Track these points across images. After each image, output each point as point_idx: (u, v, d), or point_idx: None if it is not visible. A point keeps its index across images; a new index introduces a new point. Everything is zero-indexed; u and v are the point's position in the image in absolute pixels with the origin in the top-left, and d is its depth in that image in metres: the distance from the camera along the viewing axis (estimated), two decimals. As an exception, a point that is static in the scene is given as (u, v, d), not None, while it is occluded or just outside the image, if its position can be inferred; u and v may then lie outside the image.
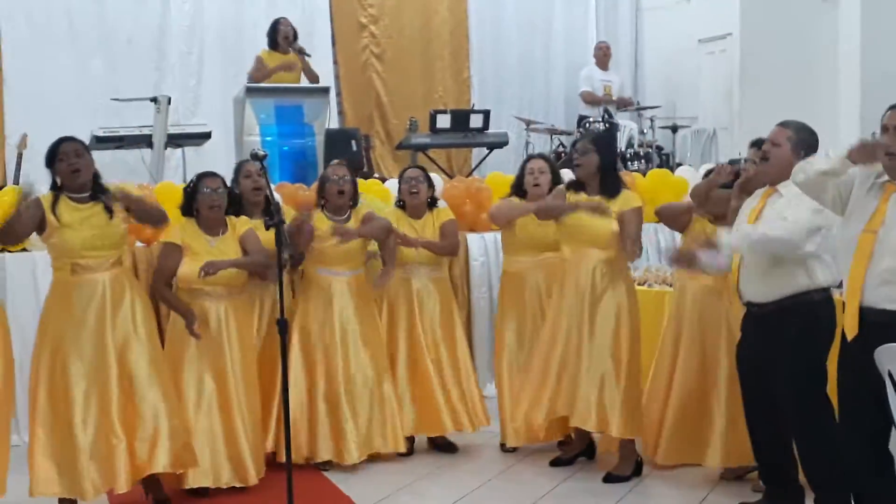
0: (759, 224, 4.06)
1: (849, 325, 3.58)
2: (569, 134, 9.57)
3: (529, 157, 5.53)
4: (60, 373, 4.26)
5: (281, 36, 8.22)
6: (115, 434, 4.28)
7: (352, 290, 5.20)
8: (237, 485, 4.68)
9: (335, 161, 5.58)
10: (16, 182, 7.70)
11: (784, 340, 3.98)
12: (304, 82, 8.36)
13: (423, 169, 5.64)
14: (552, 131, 9.49)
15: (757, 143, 4.73)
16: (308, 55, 8.38)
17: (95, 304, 4.32)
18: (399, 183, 5.51)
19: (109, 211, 4.37)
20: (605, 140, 5.13)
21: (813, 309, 3.99)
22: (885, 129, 3.52)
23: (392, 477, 5.04)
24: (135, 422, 4.34)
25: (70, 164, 4.31)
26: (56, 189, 4.37)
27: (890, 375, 3.28)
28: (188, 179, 5.08)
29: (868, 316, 3.51)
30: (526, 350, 5.24)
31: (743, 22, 9.79)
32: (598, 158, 4.89)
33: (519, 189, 5.34)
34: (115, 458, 4.28)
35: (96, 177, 4.43)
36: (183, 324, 4.61)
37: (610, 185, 4.91)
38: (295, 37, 8.27)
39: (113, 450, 4.28)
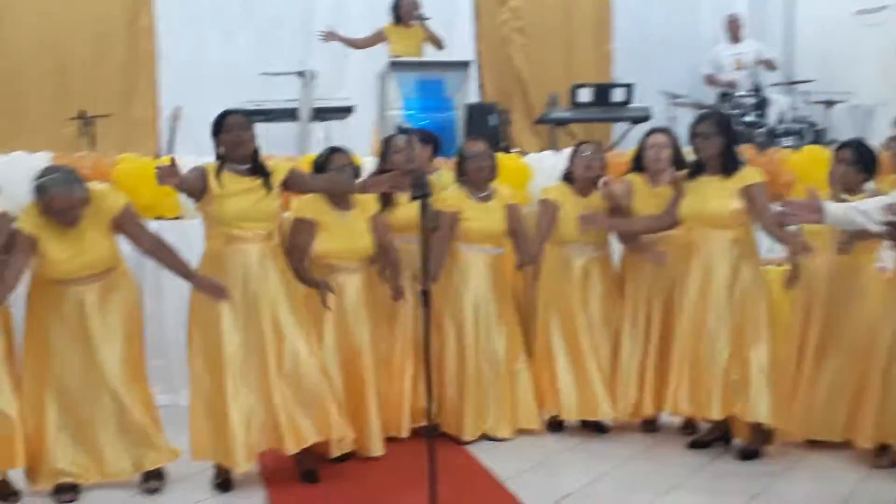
0: None
1: None
2: (714, 108, 9.26)
3: (651, 131, 5.32)
4: (215, 342, 4.37)
5: (403, 10, 8.29)
6: (272, 403, 4.38)
7: (491, 268, 5.18)
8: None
9: (472, 137, 5.57)
10: (171, 152, 8.00)
11: None
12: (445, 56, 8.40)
13: (598, 144, 5.54)
14: (698, 105, 9.18)
15: None
16: (426, 18, 8.39)
17: (247, 275, 4.41)
18: (573, 157, 5.35)
19: (268, 185, 4.45)
20: (725, 121, 4.93)
21: None
22: None
23: (530, 451, 5.03)
24: (291, 392, 4.44)
25: (235, 135, 4.41)
26: (219, 159, 4.47)
27: None
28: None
29: None
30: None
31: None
32: (721, 141, 4.73)
33: (639, 164, 5.21)
34: (279, 424, 4.38)
35: (256, 151, 4.52)
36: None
37: (729, 163, 4.75)
38: (415, 9, 8.35)
39: (271, 418, 4.39)
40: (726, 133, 4.79)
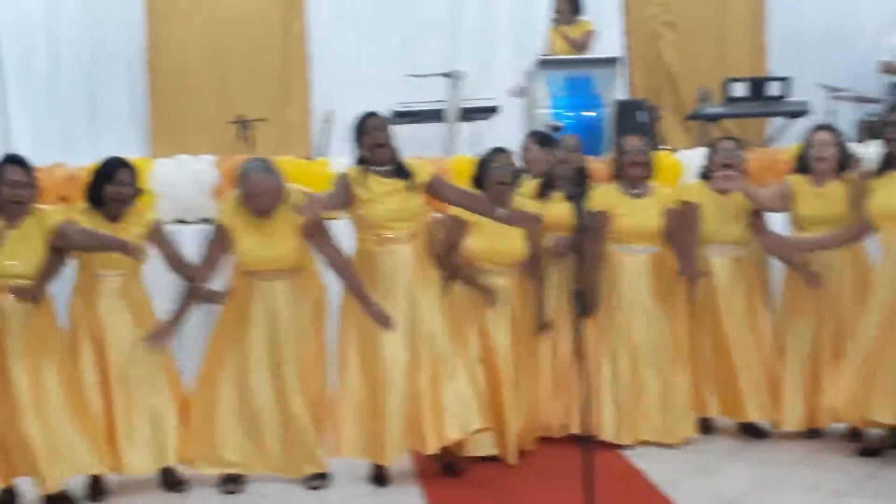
0: None
1: None
2: (879, 102, 8.84)
3: (816, 128, 5.10)
4: (372, 342, 4.45)
5: (564, 7, 8.26)
6: (423, 399, 4.43)
7: (647, 268, 5.08)
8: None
9: (631, 133, 5.49)
10: (323, 155, 8.20)
11: None
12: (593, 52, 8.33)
13: (737, 141, 5.40)
14: (861, 99, 8.80)
15: None
16: (587, 23, 8.33)
17: (399, 275, 4.48)
18: (711, 155, 5.23)
19: (411, 185, 4.51)
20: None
21: None
22: None
23: (687, 455, 4.93)
24: (438, 389, 4.48)
25: (375, 137, 4.49)
26: (361, 163, 4.56)
27: None
28: (478, 152, 5.15)
29: None
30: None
31: None
32: None
33: (803, 163, 5.01)
34: (423, 423, 4.43)
35: (396, 152, 4.57)
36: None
37: None
38: (576, 10, 8.33)
39: (420, 415, 4.44)
40: None
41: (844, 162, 4.93)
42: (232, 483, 4.53)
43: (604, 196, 5.07)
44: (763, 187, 5.43)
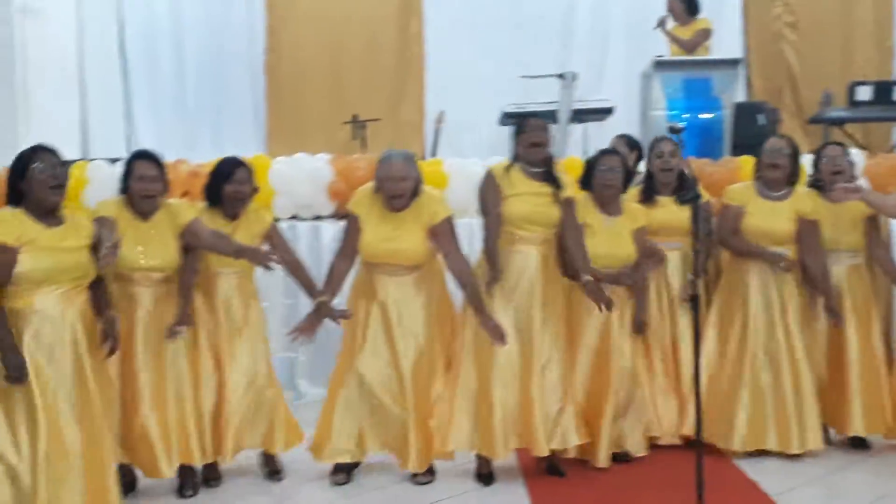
0: None
1: None
2: None
3: None
4: (488, 341, 4.46)
5: (678, 7, 8.15)
6: (533, 402, 4.45)
7: (779, 272, 4.93)
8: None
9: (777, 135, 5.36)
10: (434, 155, 8.27)
11: None
12: (712, 54, 8.18)
13: (842, 145, 5.22)
14: None
15: None
16: (705, 21, 8.18)
17: (527, 276, 4.49)
18: (818, 160, 5.11)
19: (556, 195, 4.50)
20: None
21: None
22: None
23: (803, 467, 4.79)
24: (546, 396, 4.50)
25: (534, 136, 4.50)
26: (514, 159, 4.58)
27: None
28: (588, 154, 5.11)
29: None
30: None
31: None
32: None
33: None
34: (533, 425, 4.45)
35: (550, 157, 4.57)
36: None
37: None
38: (696, 9, 8.19)
39: (531, 417, 4.46)
40: None
41: None
42: (343, 473, 4.60)
43: (739, 193, 5.00)
44: (886, 194, 5.24)
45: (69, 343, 3.70)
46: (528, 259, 4.50)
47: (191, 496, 4.44)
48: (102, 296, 3.94)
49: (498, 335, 4.41)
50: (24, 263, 3.61)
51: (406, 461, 4.52)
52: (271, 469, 4.70)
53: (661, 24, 8.20)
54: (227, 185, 4.47)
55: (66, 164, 3.83)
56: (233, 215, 4.53)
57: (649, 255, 4.85)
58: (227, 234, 4.37)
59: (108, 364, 4.02)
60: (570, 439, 4.55)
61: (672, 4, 8.23)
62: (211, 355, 4.53)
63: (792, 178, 4.95)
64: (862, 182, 5.34)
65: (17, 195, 3.73)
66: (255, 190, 4.61)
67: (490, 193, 4.55)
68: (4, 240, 3.59)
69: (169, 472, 4.27)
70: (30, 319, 3.65)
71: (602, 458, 4.67)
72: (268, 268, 4.26)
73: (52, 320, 3.67)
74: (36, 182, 3.67)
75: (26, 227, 3.67)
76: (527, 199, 4.49)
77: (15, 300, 3.64)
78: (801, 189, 5.06)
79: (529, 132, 4.49)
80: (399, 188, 4.42)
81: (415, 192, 4.49)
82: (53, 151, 3.79)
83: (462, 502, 4.38)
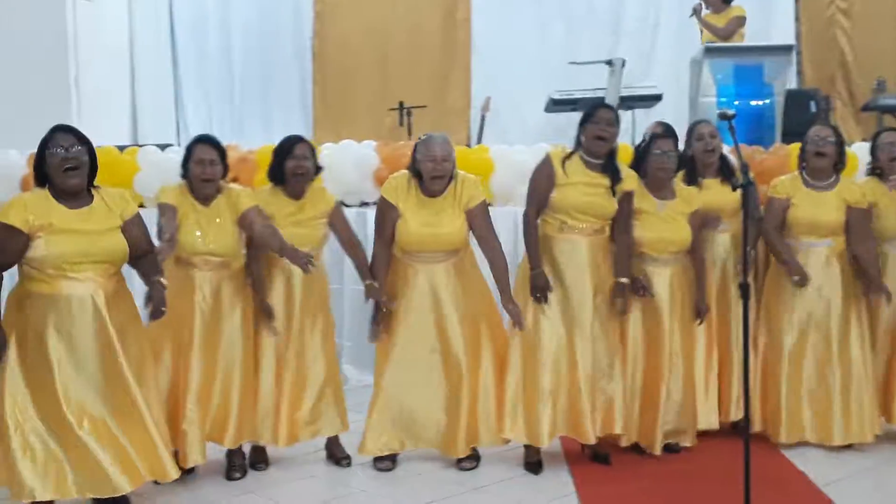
0: None
1: None
2: None
3: None
4: (535, 322, 4.49)
5: None
6: (581, 390, 4.47)
7: (828, 262, 4.86)
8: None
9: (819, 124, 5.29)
10: (479, 141, 8.27)
11: None
12: (763, 40, 8.10)
13: None
14: None
15: None
16: (741, 9, 8.09)
17: (575, 264, 4.48)
18: (874, 148, 5.04)
19: (613, 189, 4.48)
20: None
21: None
22: None
23: (854, 459, 4.74)
24: (593, 385, 4.52)
25: (600, 128, 4.44)
26: (577, 146, 4.54)
27: None
28: (638, 141, 5.07)
29: None
30: None
31: None
32: None
33: None
34: (581, 412, 4.47)
35: (614, 150, 4.53)
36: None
37: None
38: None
39: (579, 404, 4.47)
40: None
41: None
42: (388, 461, 4.61)
43: (785, 185, 4.94)
44: None
45: (95, 331, 3.70)
46: (575, 247, 4.48)
47: (238, 478, 4.48)
48: (151, 266, 3.94)
49: (518, 319, 4.45)
50: (40, 248, 3.63)
51: (450, 447, 4.54)
52: (339, 456, 4.71)
53: (696, 12, 8.11)
54: (289, 160, 4.47)
55: (85, 145, 3.74)
56: (296, 194, 4.53)
57: (705, 225, 4.83)
58: (276, 229, 4.32)
59: (151, 345, 4.09)
60: (616, 427, 4.56)
61: None
62: (276, 342, 4.55)
63: (838, 166, 4.88)
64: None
65: (43, 177, 3.74)
66: (318, 168, 4.60)
67: (543, 179, 4.51)
68: (13, 223, 3.60)
69: (201, 459, 4.30)
70: (56, 306, 3.67)
71: (657, 447, 4.67)
72: (305, 270, 4.18)
73: (77, 306, 3.67)
74: (51, 165, 3.68)
75: (46, 210, 3.66)
76: (582, 189, 4.46)
77: (42, 285, 3.67)
78: (848, 178, 4.99)
79: (597, 124, 4.44)
80: (441, 168, 4.43)
81: (451, 175, 4.51)
82: (73, 131, 3.78)
83: (507, 488, 4.38)
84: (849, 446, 4.85)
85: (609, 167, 4.49)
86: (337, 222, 4.62)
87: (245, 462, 4.58)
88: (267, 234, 4.26)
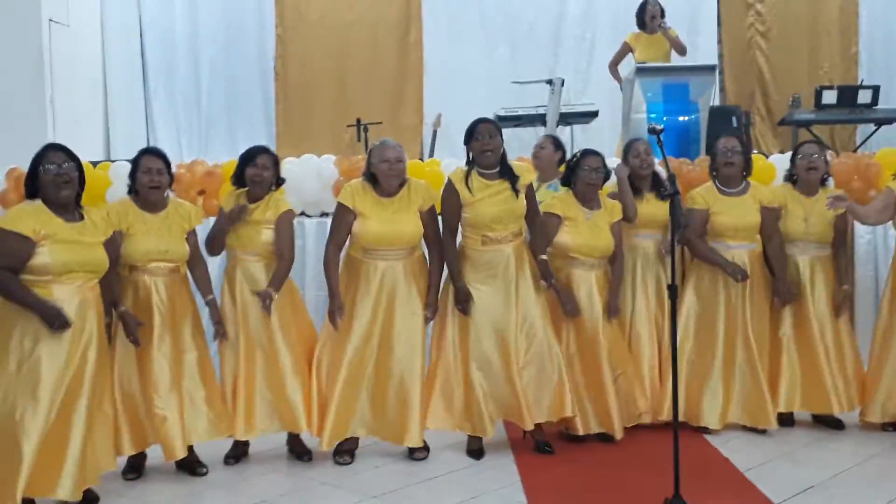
0: None
1: None
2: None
3: None
4: (466, 320, 4.56)
5: (648, 16, 8.08)
6: (518, 379, 4.51)
7: (749, 264, 4.93)
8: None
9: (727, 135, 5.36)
10: (431, 155, 8.25)
11: None
12: (688, 61, 8.17)
13: (819, 144, 5.27)
14: (952, 107, 8.44)
15: None
16: (668, 28, 8.11)
17: (501, 270, 4.52)
18: (794, 157, 5.11)
19: (515, 189, 4.51)
20: None
21: None
22: None
23: (769, 445, 4.82)
24: (534, 373, 4.57)
25: (483, 143, 4.50)
26: (469, 164, 4.58)
27: None
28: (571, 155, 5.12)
29: None
30: None
31: None
32: None
33: None
34: (519, 401, 4.50)
35: (504, 155, 4.57)
36: None
37: None
38: (662, 14, 8.07)
39: (517, 392, 4.50)
40: None
41: None
42: (347, 455, 4.59)
43: (702, 196, 5.00)
44: (865, 204, 5.28)
45: (78, 331, 3.74)
46: (502, 255, 4.53)
47: (204, 473, 4.44)
48: (111, 289, 4.05)
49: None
50: (44, 255, 3.68)
51: (403, 437, 4.52)
52: (301, 451, 4.68)
53: (663, 28, 8.12)
54: (250, 168, 4.48)
55: (74, 161, 3.84)
56: (255, 198, 4.51)
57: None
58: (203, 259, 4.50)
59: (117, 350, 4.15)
60: (567, 410, 4.58)
61: (654, 11, 8.18)
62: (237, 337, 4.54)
63: (745, 173, 4.98)
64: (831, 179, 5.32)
65: (33, 192, 3.81)
66: (278, 178, 4.59)
67: (452, 203, 4.54)
68: (23, 231, 3.66)
69: (182, 453, 4.27)
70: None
71: (618, 431, 4.74)
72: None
73: (67, 309, 3.70)
74: (45, 180, 3.76)
75: (47, 220, 3.73)
76: (490, 202, 4.49)
77: (36, 289, 3.68)
78: (757, 182, 5.09)
79: (480, 140, 4.50)
80: (396, 168, 4.45)
81: (405, 177, 4.53)
82: (63, 149, 3.87)
83: (457, 479, 4.37)
84: (763, 432, 4.94)
85: (504, 171, 4.54)
86: (279, 229, 4.51)
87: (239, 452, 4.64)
88: (197, 255, 4.48)
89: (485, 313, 4.53)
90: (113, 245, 4.04)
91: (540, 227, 4.67)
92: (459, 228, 4.64)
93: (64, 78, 8.64)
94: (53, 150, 3.83)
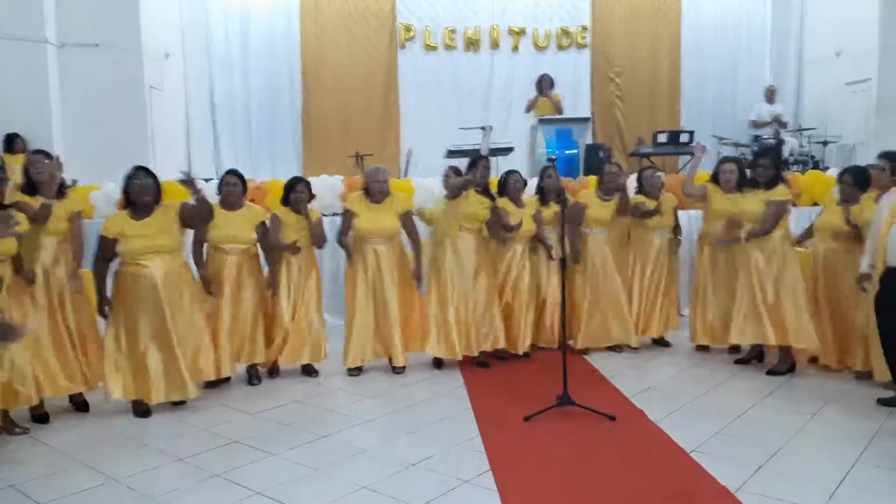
0: None
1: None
2: (748, 146, 8.71)
3: (724, 160, 4.89)
4: (441, 282, 4.54)
5: (545, 85, 8.15)
6: (469, 321, 4.55)
7: (605, 242, 4.96)
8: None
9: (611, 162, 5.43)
10: (405, 175, 8.25)
11: None
12: (572, 114, 8.23)
13: (654, 169, 5.31)
14: (737, 144, 8.67)
15: (886, 155, 4.09)
16: (559, 95, 8.16)
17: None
18: (640, 178, 5.18)
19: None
20: (778, 157, 4.64)
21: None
22: None
23: (625, 358, 4.88)
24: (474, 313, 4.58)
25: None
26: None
27: None
28: (499, 175, 5.14)
29: None
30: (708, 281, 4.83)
31: (881, 71, 8.35)
32: (773, 172, 4.46)
33: (716, 179, 4.85)
34: (471, 335, 4.55)
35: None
36: None
37: (773, 182, 4.44)
38: (551, 85, 8.12)
39: (469, 330, 4.55)
40: (778, 163, 4.58)
41: (741, 180, 4.77)
42: (356, 370, 4.54)
43: (583, 198, 5.05)
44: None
45: (155, 298, 3.74)
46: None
47: (257, 384, 4.39)
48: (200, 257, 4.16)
49: (419, 278, 4.50)
50: (121, 245, 3.74)
51: (395, 358, 4.52)
52: (311, 372, 4.59)
53: (547, 94, 8.21)
54: (292, 193, 4.46)
55: (151, 177, 3.84)
56: (297, 211, 4.46)
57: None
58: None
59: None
60: (500, 343, 4.64)
61: (546, 82, 8.26)
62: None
63: (620, 188, 5.02)
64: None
65: (129, 199, 3.86)
66: (312, 196, 4.54)
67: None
68: (106, 234, 3.74)
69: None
70: (134, 277, 3.73)
71: (521, 349, 4.75)
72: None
73: (146, 277, 3.72)
74: (132, 191, 3.80)
75: (124, 223, 3.77)
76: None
77: (127, 266, 3.75)
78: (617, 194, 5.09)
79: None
80: (383, 187, 4.45)
81: (388, 190, 4.52)
82: (145, 169, 3.87)
83: (425, 384, 4.39)
84: (622, 349, 4.98)
85: (485, 192, 4.60)
86: (317, 225, 4.50)
87: (261, 373, 4.51)
88: (273, 241, 4.36)
89: (454, 277, 4.53)
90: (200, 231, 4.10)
91: (412, 236, 4.59)
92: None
93: (160, 124, 8.49)
94: (138, 170, 3.86)
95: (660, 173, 5.24)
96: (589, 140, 8.82)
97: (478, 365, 4.71)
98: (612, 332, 4.97)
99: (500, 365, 4.75)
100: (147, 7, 8.24)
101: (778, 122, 8.96)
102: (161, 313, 3.73)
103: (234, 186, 4.30)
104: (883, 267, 3.70)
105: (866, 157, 8.22)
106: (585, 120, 8.32)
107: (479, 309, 4.61)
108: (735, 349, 4.95)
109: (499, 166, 8.29)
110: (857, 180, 4.33)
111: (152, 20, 8.40)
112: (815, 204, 6.48)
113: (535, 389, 4.09)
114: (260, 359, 4.39)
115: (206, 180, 6.37)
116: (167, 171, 4.00)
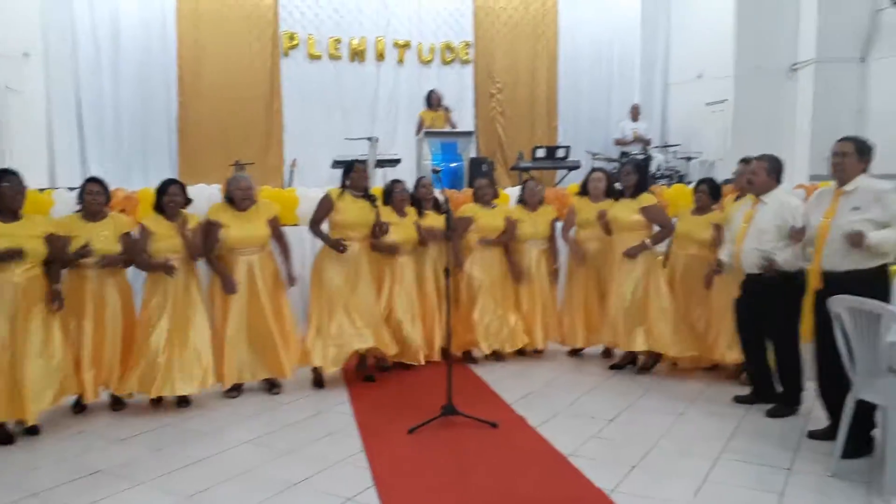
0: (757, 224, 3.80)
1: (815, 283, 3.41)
2: (618, 161, 9.23)
3: (593, 170, 5.15)
4: (324, 292, 4.42)
5: (434, 100, 8.26)
6: (349, 331, 4.44)
7: (539, 256, 5.09)
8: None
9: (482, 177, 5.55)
10: (289, 185, 8.00)
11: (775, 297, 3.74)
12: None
13: (534, 181, 5.44)
14: (608, 159, 9.17)
15: (744, 160, 4.45)
16: (450, 110, 8.31)
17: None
18: (523, 189, 5.29)
19: (374, 204, 4.51)
20: (641, 166, 4.93)
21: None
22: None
23: (509, 366, 4.92)
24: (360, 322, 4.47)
25: (359, 178, 4.48)
26: (344, 188, 4.50)
27: (838, 317, 3.05)
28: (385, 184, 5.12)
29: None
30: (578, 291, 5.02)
31: (736, 93, 9.16)
32: (636, 177, 4.71)
33: (584, 189, 5.07)
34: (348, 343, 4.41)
35: (368, 186, 4.58)
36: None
37: (638, 191, 4.71)
38: (440, 101, 8.28)
39: (348, 340, 4.43)
40: (641, 173, 4.79)
41: (610, 190, 4.99)
42: (234, 391, 4.34)
43: (469, 210, 5.09)
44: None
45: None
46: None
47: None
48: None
49: (291, 281, 4.35)
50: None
51: (277, 371, 4.29)
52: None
53: (436, 109, 8.21)
54: (165, 196, 4.12)
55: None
56: (171, 217, 4.11)
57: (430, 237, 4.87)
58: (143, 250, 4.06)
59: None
60: (391, 350, 4.57)
61: (436, 98, 8.35)
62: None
63: (495, 196, 5.17)
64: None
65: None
66: (187, 200, 4.20)
67: (324, 207, 4.44)
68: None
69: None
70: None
71: (421, 359, 4.71)
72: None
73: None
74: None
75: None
76: (354, 211, 4.44)
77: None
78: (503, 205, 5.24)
79: (357, 173, 4.48)
80: (247, 193, 4.22)
81: (255, 197, 4.31)
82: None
83: (308, 401, 4.24)
84: (505, 359, 5.04)
85: (367, 196, 4.53)
86: (196, 232, 4.21)
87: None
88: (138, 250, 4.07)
89: (339, 275, 4.41)
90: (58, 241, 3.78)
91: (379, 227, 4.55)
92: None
93: (17, 127, 7.71)
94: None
95: (540, 186, 5.38)
96: (473, 153, 8.98)
97: (364, 379, 4.61)
98: (504, 337, 5.01)
99: (386, 378, 4.67)
100: (1, 1, 7.49)
101: (640, 139, 9.59)
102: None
103: (96, 195, 3.96)
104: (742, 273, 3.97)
105: (725, 172, 9.00)
106: (469, 134, 8.46)
107: (363, 319, 4.49)
108: (608, 353, 5.14)
109: (386, 177, 8.25)
110: (712, 191, 4.67)
111: (7, 16, 7.64)
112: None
113: (419, 401, 4.04)
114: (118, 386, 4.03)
115: (70, 189, 5.83)
116: (27, 177, 3.63)
